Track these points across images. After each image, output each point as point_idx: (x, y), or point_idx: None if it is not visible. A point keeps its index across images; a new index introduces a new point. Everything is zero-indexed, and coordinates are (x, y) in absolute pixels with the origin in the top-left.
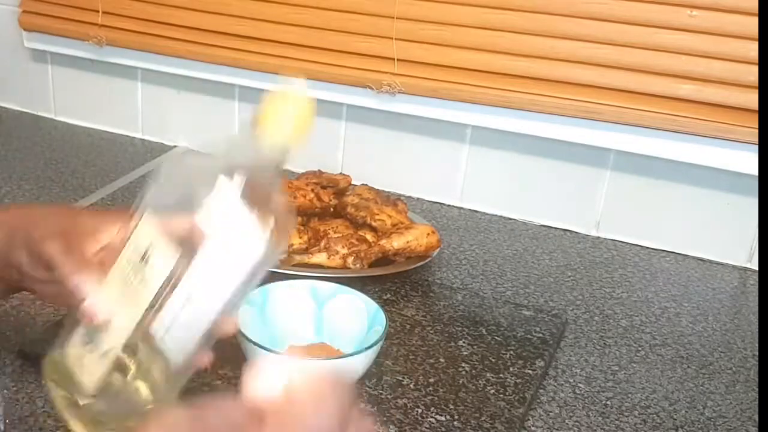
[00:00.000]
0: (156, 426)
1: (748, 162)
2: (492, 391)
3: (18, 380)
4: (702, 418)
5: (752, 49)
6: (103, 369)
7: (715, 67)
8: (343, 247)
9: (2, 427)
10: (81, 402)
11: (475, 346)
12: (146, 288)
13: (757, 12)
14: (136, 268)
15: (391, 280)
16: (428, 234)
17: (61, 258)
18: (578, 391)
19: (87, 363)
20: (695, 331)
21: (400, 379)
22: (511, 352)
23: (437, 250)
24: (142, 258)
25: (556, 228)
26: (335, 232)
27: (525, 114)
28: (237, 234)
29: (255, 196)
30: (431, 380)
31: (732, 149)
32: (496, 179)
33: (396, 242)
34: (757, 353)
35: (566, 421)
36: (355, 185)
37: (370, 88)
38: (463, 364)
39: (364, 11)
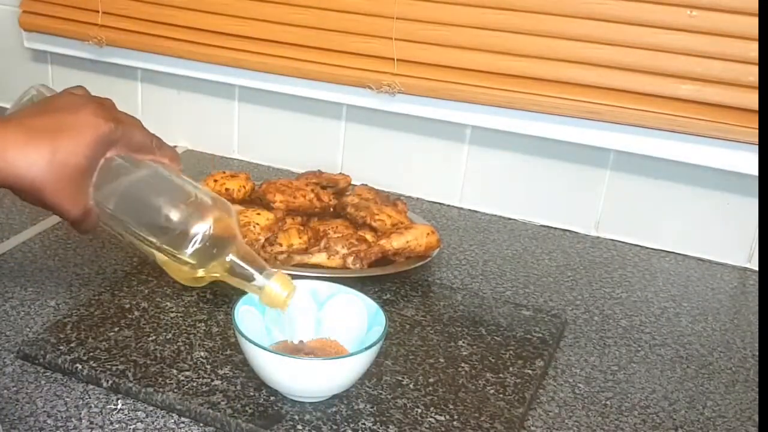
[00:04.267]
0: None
1: (747, 162)
2: (491, 391)
3: (18, 380)
4: (701, 418)
5: (752, 50)
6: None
7: (715, 68)
8: (342, 247)
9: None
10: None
11: (474, 346)
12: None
13: (757, 12)
14: None
15: (390, 280)
16: (428, 234)
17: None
18: (578, 391)
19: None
20: (695, 331)
21: (400, 379)
22: (511, 352)
23: (437, 250)
24: None
25: (555, 228)
26: (335, 232)
27: (525, 114)
28: None
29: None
30: (431, 380)
31: (732, 149)
32: (496, 179)
33: (396, 242)
34: (756, 353)
35: (566, 421)
36: (355, 185)
37: (370, 88)
38: (463, 364)
39: (363, 11)
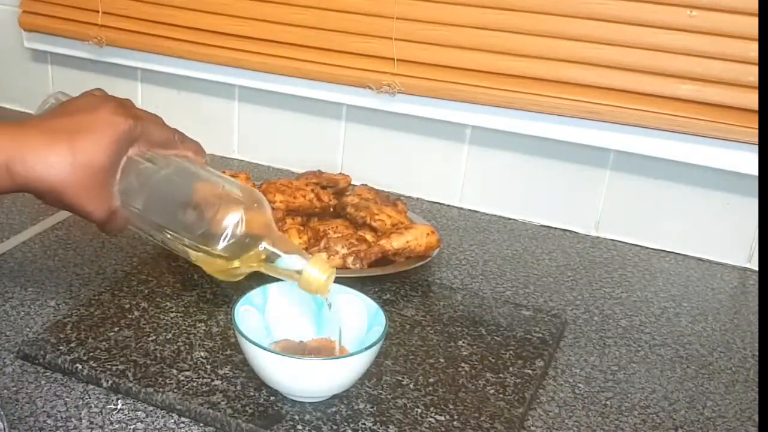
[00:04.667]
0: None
1: (747, 162)
2: (491, 391)
3: (18, 380)
4: (701, 418)
5: (752, 50)
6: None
7: (715, 68)
8: (342, 247)
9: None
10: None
11: (474, 346)
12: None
13: (757, 12)
14: None
15: (390, 280)
16: (428, 234)
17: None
18: (578, 391)
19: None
20: (695, 331)
21: (400, 379)
22: (511, 352)
23: (437, 250)
24: None
25: (555, 228)
26: (335, 232)
27: (525, 114)
28: None
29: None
30: (431, 380)
31: (732, 149)
32: (496, 179)
33: (396, 242)
34: (756, 353)
35: (566, 421)
36: (355, 185)
37: (370, 88)
38: (463, 364)
39: (363, 11)
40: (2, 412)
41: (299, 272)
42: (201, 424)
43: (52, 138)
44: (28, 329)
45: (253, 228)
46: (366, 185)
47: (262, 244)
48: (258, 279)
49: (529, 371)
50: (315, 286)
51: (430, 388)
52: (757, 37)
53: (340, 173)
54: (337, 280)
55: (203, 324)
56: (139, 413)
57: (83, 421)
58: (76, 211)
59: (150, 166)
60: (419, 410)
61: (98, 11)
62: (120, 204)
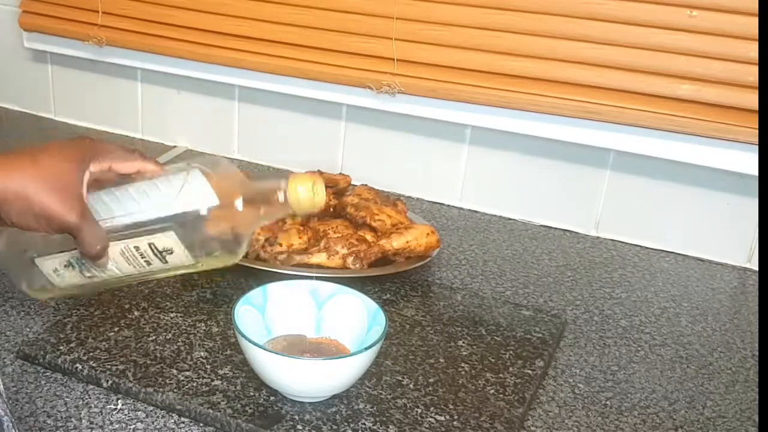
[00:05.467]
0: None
1: (747, 162)
2: (491, 391)
3: (18, 380)
4: (701, 418)
5: (752, 50)
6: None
7: (715, 68)
8: (342, 247)
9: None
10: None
11: (474, 346)
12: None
13: (757, 12)
14: None
15: (390, 280)
16: (428, 234)
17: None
18: (578, 391)
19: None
20: (695, 331)
21: (400, 379)
22: (511, 352)
23: (437, 250)
24: None
25: (555, 228)
26: (335, 232)
27: (524, 114)
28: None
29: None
30: (431, 380)
31: (731, 149)
32: (496, 179)
33: (396, 242)
34: (756, 353)
35: (566, 421)
36: (355, 185)
37: (370, 88)
38: (463, 364)
39: (363, 11)
40: (9, 412)
41: (283, 200)
42: (201, 424)
43: (12, 157)
44: (28, 329)
45: (225, 202)
46: (366, 185)
47: (239, 203)
48: (258, 279)
49: (529, 371)
50: (304, 203)
51: (430, 388)
52: (757, 37)
53: (340, 173)
54: (337, 280)
55: (203, 324)
56: (139, 413)
57: (83, 421)
58: (48, 214)
59: (120, 190)
60: (419, 410)
61: (98, 11)
62: (104, 225)
